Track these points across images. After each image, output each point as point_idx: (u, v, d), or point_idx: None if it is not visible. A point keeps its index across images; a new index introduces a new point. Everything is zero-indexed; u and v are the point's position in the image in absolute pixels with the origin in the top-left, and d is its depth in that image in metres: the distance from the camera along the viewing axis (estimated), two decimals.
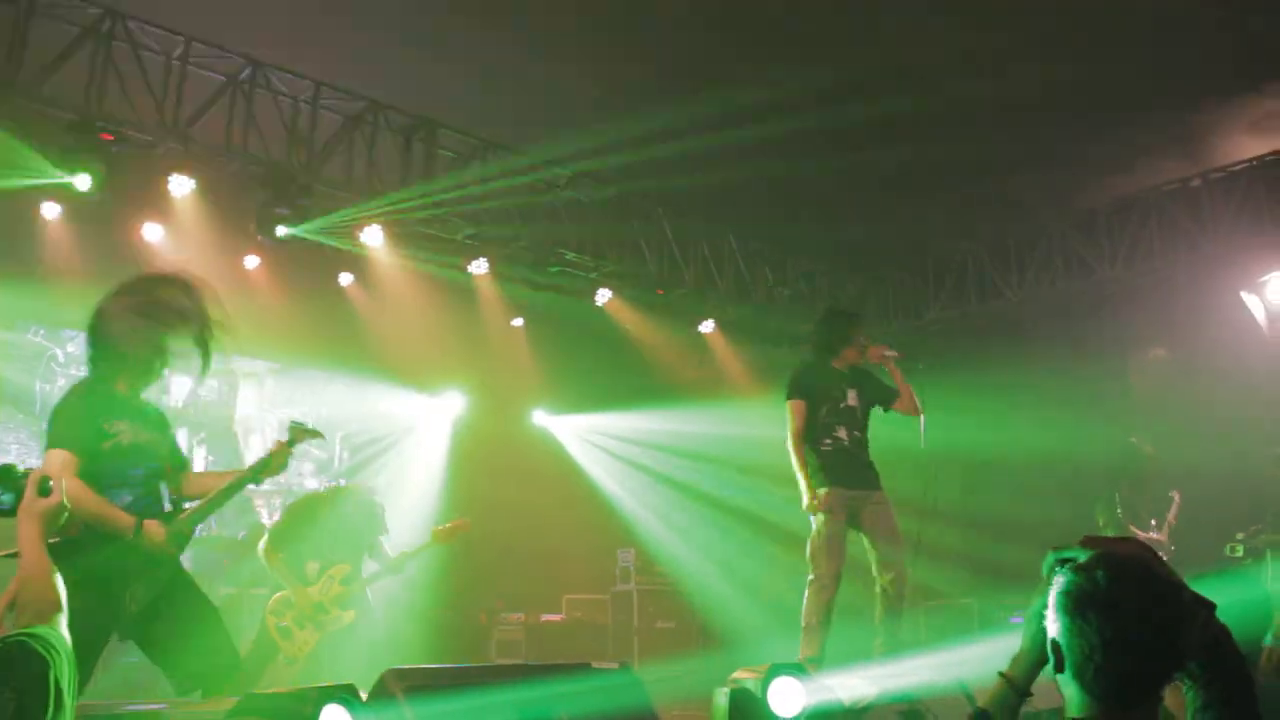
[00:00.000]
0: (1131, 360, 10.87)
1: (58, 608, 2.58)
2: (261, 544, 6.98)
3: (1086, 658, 2.13)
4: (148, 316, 4.29)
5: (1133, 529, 8.31)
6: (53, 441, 4.11)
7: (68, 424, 4.15)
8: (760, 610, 10.09)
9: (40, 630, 2.36)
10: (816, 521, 5.85)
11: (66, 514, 2.80)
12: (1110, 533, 8.28)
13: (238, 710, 2.96)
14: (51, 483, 2.70)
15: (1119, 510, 8.40)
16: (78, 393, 4.33)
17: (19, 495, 2.68)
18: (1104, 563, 2.17)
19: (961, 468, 10.35)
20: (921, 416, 6.18)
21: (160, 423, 4.56)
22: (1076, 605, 2.14)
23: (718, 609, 10.58)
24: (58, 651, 2.30)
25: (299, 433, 4.89)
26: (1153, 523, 8.44)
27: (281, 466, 4.55)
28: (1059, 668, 2.20)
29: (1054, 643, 2.19)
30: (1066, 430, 9.68)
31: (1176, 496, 8.50)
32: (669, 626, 10.45)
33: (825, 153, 9.43)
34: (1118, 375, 10.71)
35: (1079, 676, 2.16)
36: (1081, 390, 10.17)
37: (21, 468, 2.76)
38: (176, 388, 9.79)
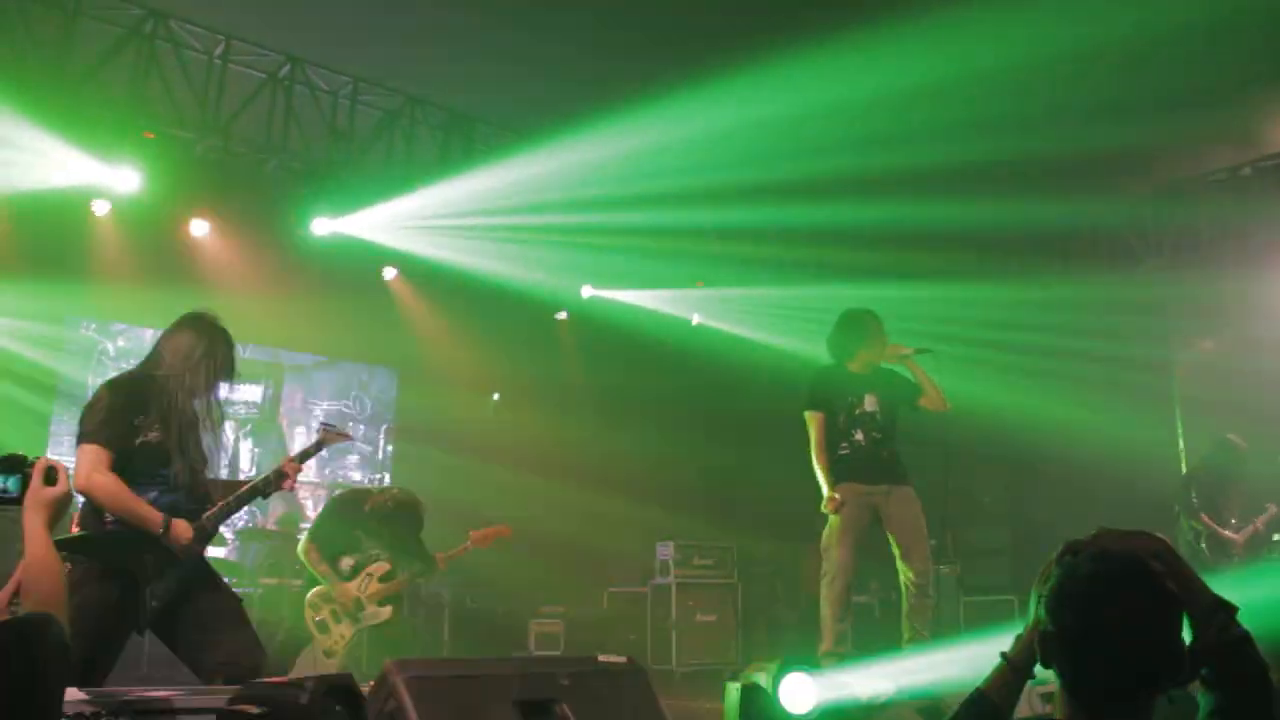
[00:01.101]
0: (1178, 352, 10.66)
1: (62, 600, 2.55)
2: (301, 540, 7.11)
3: (1064, 656, 2.11)
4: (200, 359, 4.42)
5: (1204, 519, 8.12)
6: (84, 437, 4.18)
7: (100, 420, 4.22)
8: (801, 604, 10.05)
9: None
10: (831, 516, 5.86)
11: (73, 504, 2.76)
12: (1183, 520, 8.14)
13: (237, 699, 3.01)
14: (58, 472, 2.63)
15: (1194, 499, 8.22)
16: (112, 389, 4.42)
17: (25, 482, 2.61)
18: (1093, 562, 2.14)
19: (1005, 460, 10.21)
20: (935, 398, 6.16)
21: (195, 423, 4.65)
22: (1056, 602, 2.12)
23: (758, 602, 10.55)
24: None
25: (330, 435, 4.99)
26: (1233, 521, 8.20)
27: (293, 482, 4.64)
28: (1045, 662, 2.18)
29: (1041, 635, 2.15)
30: (1110, 422, 9.51)
31: (1273, 508, 8.19)
32: (709, 620, 10.43)
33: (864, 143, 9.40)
34: (1163, 367, 10.50)
35: (1059, 674, 2.14)
36: (1126, 383, 9.97)
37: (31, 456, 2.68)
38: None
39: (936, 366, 6.21)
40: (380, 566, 6.89)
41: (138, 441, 4.25)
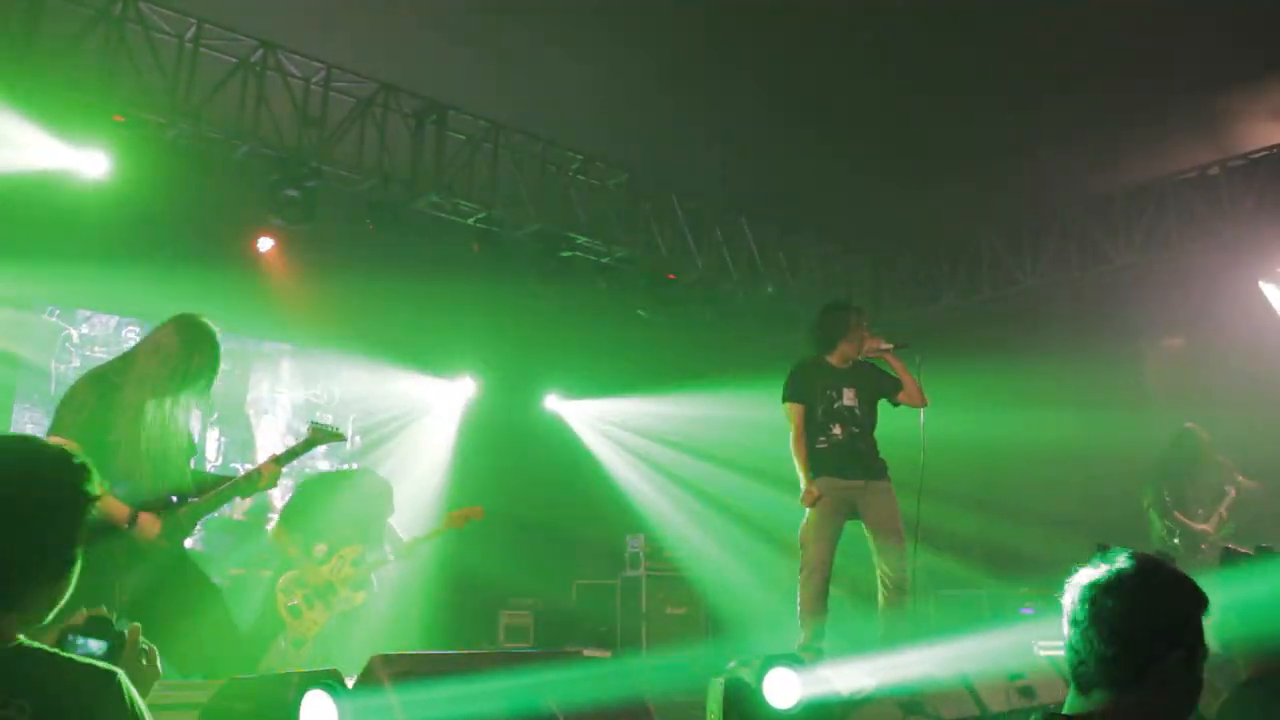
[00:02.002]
0: (1146, 349, 10.78)
1: None
2: (271, 524, 7.04)
3: (1086, 635, 2.23)
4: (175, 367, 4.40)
5: (1178, 515, 8.20)
6: (55, 428, 4.19)
7: (73, 411, 4.22)
8: (771, 597, 10.06)
9: None
10: (808, 510, 5.88)
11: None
12: (1155, 517, 8.21)
13: (222, 694, 2.96)
14: (155, 656, 2.34)
15: (1166, 497, 8.28)
16: (90, 380, 4.39)
17: (113, 647, 2.26)
18: (1127, 556, 2.29)
19: (975, 456, 10.27)
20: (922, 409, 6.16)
21: (169, 421, 4.59)
22: (1076, 595, 2.28)
23: (727, 596, 10.56)
24: None
25: (320, 434, 4.95)
26: (1199, 512, 8.29)
27: (271, 483, 4.62)
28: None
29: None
30: (1080, 418, 9.59)
31: (1232, 491, 8.33)
32: (678, 613, 10.43)
33: (838, 136, 9.42)
34: (1132, 363, 10.60)
35: (1092, 659, 2.23)
36: (1095, 378, 10.05)
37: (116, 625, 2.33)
38: None
39: (914, 362, 6.24)
40: (352, 550, 6.85)
41: (110, 438, 4.22)
